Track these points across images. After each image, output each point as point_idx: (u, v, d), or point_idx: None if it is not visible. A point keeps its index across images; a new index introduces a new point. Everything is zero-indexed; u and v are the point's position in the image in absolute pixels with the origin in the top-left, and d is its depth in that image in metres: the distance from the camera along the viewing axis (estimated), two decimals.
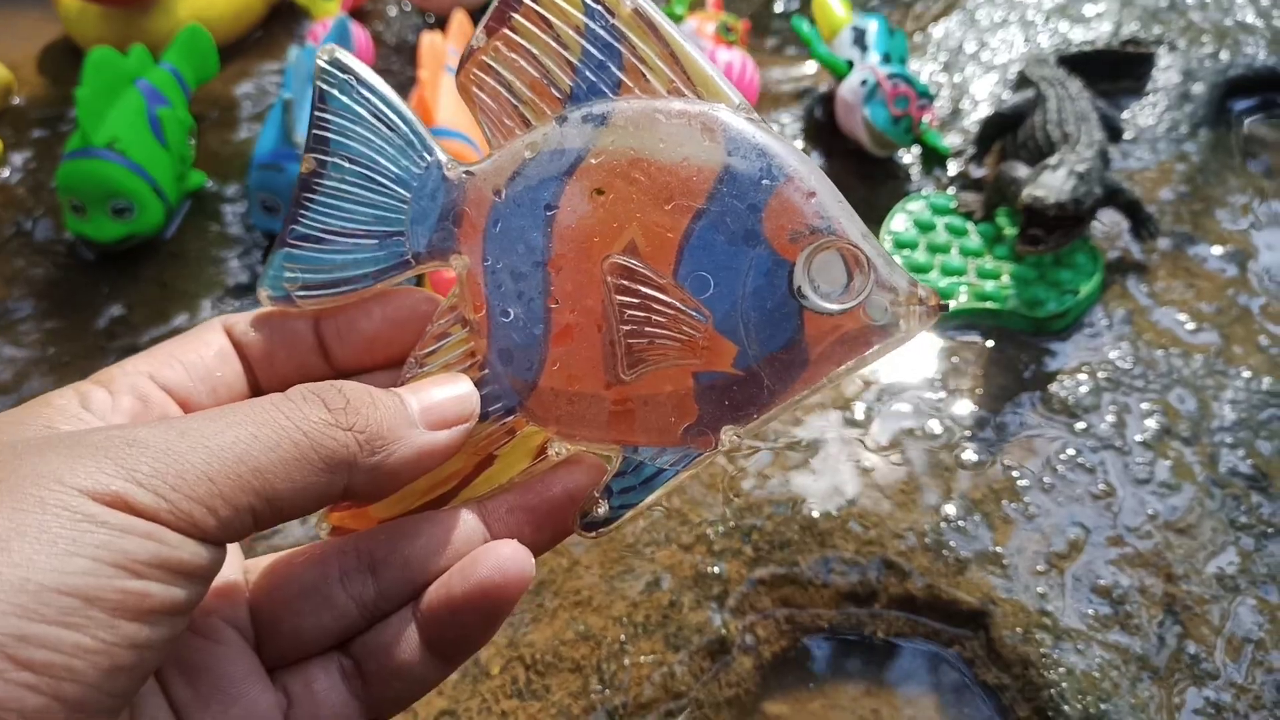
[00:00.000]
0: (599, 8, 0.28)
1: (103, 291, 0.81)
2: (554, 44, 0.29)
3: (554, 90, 0.29)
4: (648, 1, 0.28)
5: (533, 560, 0.30)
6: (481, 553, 0.30)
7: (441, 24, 0.98)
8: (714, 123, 0.27)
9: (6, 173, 0.91)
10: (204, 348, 0.32)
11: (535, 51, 0.29)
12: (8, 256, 0.85)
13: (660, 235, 0.27)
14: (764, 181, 0.27)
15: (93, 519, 0.23)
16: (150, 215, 0.81)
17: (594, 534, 0.30)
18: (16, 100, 0.99)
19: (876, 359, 0.27)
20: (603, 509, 0.30)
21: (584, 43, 0.28)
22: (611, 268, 0.28)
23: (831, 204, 0.27)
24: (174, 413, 0.30)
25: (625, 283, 0.28)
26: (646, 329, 0.28)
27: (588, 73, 0.28)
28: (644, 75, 0.28)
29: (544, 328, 0.29)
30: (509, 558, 0.30)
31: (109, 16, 0.97)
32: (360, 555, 0.32)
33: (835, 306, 0.27)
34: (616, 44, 0.28)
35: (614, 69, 0.28)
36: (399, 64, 1.00)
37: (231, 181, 0.89)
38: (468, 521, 0.31)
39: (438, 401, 0.30)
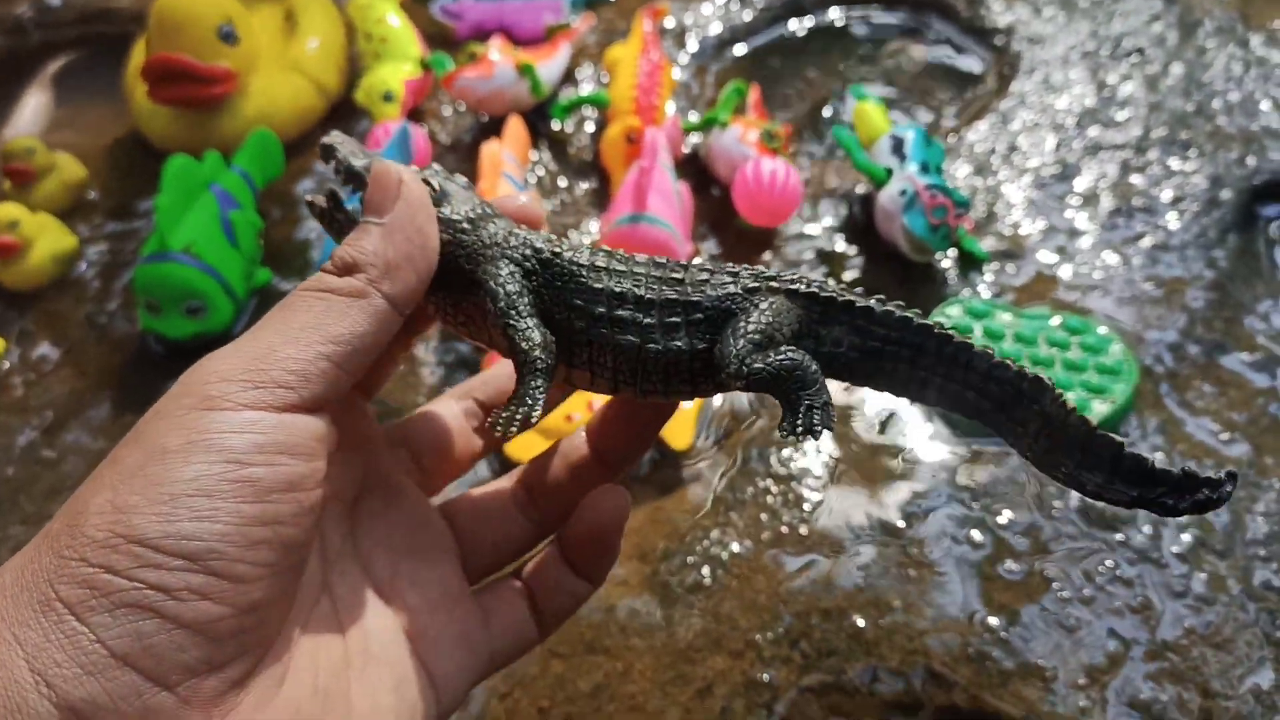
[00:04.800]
0: None
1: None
2: None
3: None
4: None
5: (628, 500, 0.42)
6: (596, 495, 0.42)
7: (496, 125, 1.03)
8: None
9: (83, 266, 0.96)
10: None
11: None
12: (85, 348, 0.89)
13: None
14: None
15: (203, 430, 0.30)
16: (221, 314, 0.85)
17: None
18: (91, 195, 1.04)
19: None
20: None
21: None
22: None
23: None
24: None
25: None
26: None
27: None
28: None
29: None
30: (612, 503, 0.41)
31: (180, 116, 1.02)
32: (526, 486, 0.45)
33: None
34: None
35: None
36: (454, 162, 1.05)
37: (294, 276, 0.93)
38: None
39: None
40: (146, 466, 0.30)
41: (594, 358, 0.41)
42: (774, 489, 0.76)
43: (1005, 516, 0.74)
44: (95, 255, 0.97)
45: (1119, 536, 0.72)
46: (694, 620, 0.68)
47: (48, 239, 0.93)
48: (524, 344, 0.39)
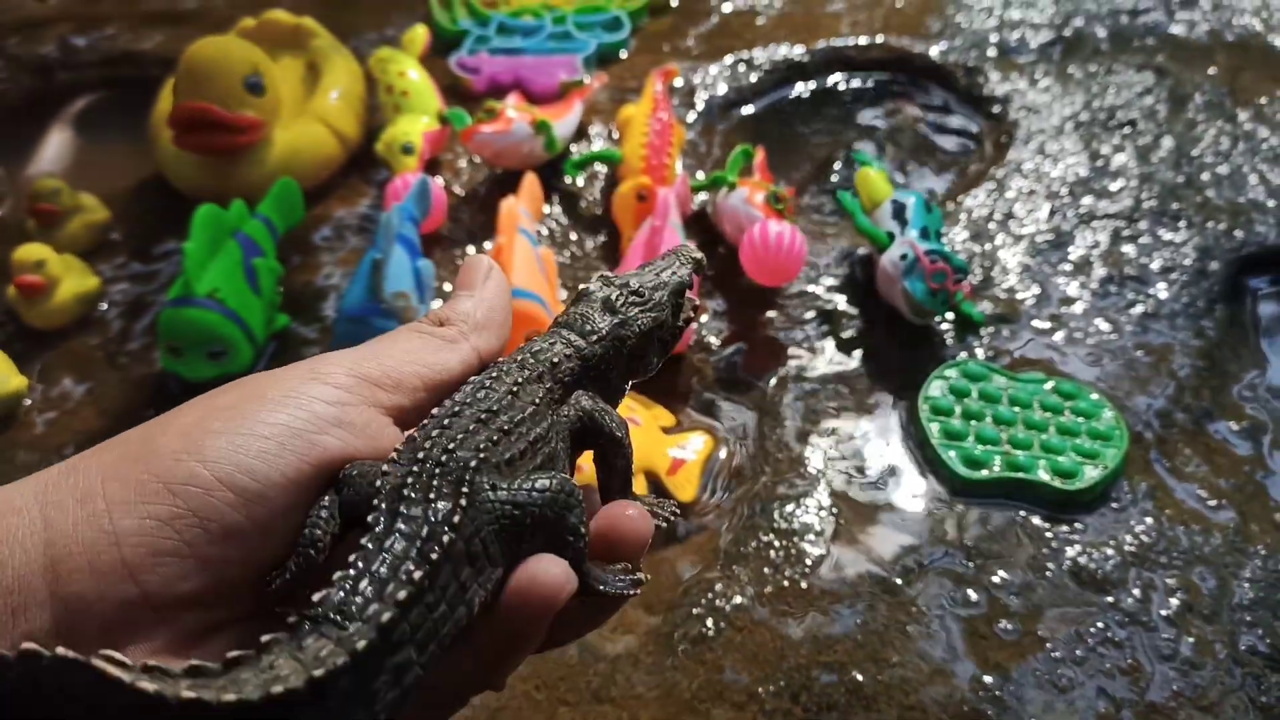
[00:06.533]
0: None
1: None
2: None
3: None
4: None
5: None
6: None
7: (508, 177, 1.06)
8: None
9: (104, 306, 0.98)
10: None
11: None
12: (105, 387, 0.91)
13: None
14: None
15: (302, 392, 0.33)
16: (241, 357, 0.87)
17: None
18: (114, 236, 1.06)
19: None
20: None
21: None
22: None
23: None
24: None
25: None
26: None
27: None
28: None
29: None
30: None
31: (204, 162, 1.04)
32: None
33: None
34: None
35: None
36: (469, 213, 1.08)
37: (312, 321, 0.96)
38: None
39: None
40: (241, 405, 0.32)
41: None
42: (776, 544, 0.79)
43: (1000, 576, 0.76)
44: (117, 295, 1.00)
45: (1109, 599, 0.75)
46: (698, 671, 0.70)
47: (72, 279, 0.95)
48: None
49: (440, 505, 0.29)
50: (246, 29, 1.19)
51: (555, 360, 0.35)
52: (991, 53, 1.33)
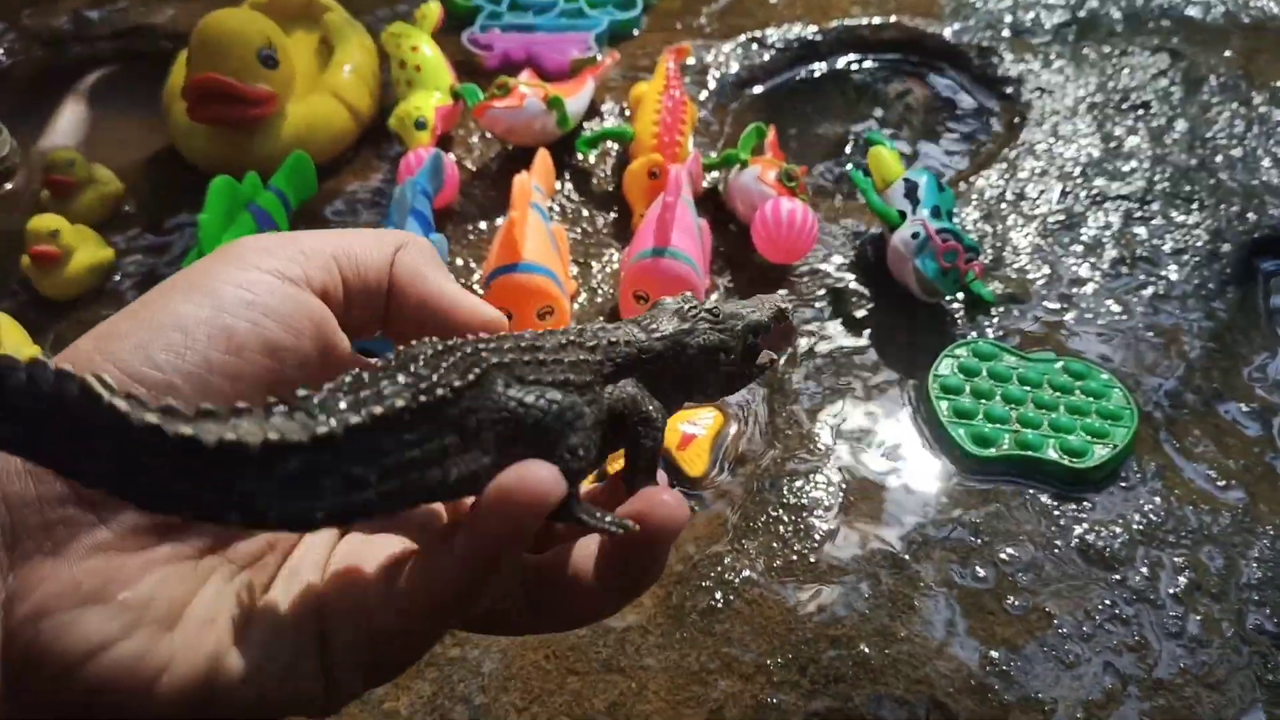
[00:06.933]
0: None
1: None
2: None
3: None
4: None
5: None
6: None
7: (519, 154, 1.06)
8: None
9: (118, 277, 0.99)
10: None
11: None
12: None
13: None
14: None
15: (209, 278, 0.32)
16: None
17: None
18: (126, 208, 1.07)
19: None
20: None
21: None
22: None
23: None
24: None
25: None
26: None
27: None
28: None
29: None
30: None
31: (217, 135, 1.05)
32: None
33: None
34: None
35: None
36: (481, 188, 1.08)
37: None
38: None
39: None
40: (150, 300, 0.32)
41: None
42: (785, 518, 0.79)
43: (1008, 552, 0.76)
44: (130, 267, 1.00)
45: (1116, 576, 0.75)
46: (706, 643, 0.71)
47: (85, 250, 0.96)
48: None
49: (449, 375, 0.30)
50: (259, 3, 1.19)
51: (613, 340, 0.36)
52: (1005, 33, 1.32)
